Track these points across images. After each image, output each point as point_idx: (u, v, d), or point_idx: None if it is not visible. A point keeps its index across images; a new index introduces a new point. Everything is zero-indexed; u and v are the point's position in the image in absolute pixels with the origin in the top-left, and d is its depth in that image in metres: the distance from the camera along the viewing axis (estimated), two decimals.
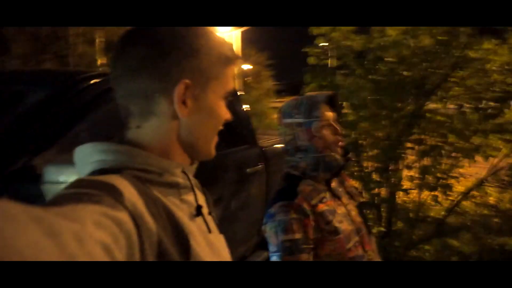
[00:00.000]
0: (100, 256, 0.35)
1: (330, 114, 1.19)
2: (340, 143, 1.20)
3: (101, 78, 1.72)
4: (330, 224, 1.12)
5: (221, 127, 0.63)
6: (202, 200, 0.64)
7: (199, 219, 0.58)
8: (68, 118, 1.52)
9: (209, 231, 0.59)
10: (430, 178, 2.92)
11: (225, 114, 0.63)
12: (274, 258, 1.08)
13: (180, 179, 0.57)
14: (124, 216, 0.42)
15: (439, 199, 2.98)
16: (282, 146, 1.27)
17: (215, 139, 0.63)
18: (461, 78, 2.66)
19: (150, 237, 0.46)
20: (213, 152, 0.63)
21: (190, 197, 0.59)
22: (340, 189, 1.26)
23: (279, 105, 1.36)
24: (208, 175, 2.36)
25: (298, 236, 1.06)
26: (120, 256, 0.39)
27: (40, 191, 1.28)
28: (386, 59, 2.62)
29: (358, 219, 1.23)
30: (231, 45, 0.63)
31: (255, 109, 11.93)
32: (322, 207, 1.13)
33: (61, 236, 0.30)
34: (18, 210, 0.28)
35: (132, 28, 0.57)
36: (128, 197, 0.45)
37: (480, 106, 2.73)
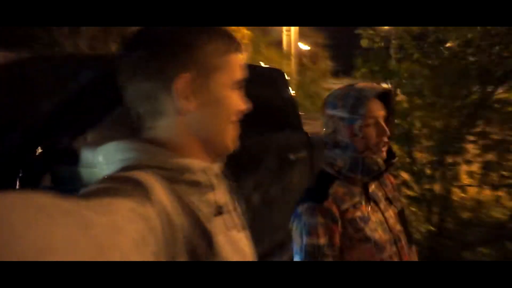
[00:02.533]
0: (130, 249, 0.35)
1: (379, 112, 1.08)
2: (385, 146, 1.09)
3: None
4: (360, 232, 1.04)
5: (235, 119, 0.61)
6: (225, 198, 0.63)
7: (220, 218, 0.58)
8: (107, 102, 1.56)
9: (230, 228, 0.60)
10: (493, 176, 2.63)
11: (238, 105, 0.61)
12: (297, 258, 1.05)
13: (201, 178, 0.57)
14: (151, 213, 0.43)
15: (503, 200, 2.69)
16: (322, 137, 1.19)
17: (233, 132, 0.61)
18: None
19: (176, 234, 0.47)
20: (231, 146, 0.62)
21: (210, 196, 0.58)
22: (380, 194, 1.15)
23: (335, 86, 1.25)
24: (246, 160, 2.37)
25: (322, 241, 1.01)
26: (147, 251, 0.39)
27: (78, 173, 1.35)
28: (449, 43, 2.35)
29: (398, 227, 1.13)
30: (232, 34, 0.60)
31: (310, 91, 11.68)
32: (353, 212, 1.06)
33: (93, 229, 0.31)
34: (52, 203, 0.29)
35: (128, 34, 0.58)
36: (155, 194, 0.46)
37: None
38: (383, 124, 1.08)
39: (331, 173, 1.10)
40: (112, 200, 0.40)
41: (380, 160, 1.08)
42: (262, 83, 2.74)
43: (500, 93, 2.56)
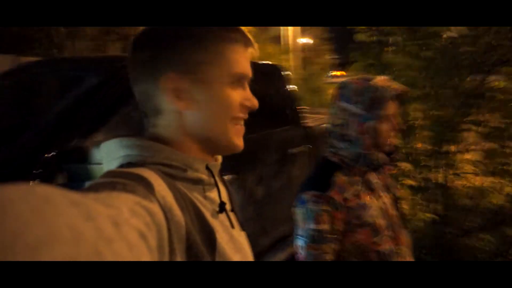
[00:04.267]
0: (136, 241, 0.35)
1: (393, 111, 1.11)
2: (391, 139, 1.13)
3: None
4: (360, 218, 1.10)
5: (237, 116, 0.58)
6: (225, 196, 0.62)
7: (222, 215, 0.58)
8: (114, 102, 1.65)
9: (232, 227, 0.60)
10: (491, 163, 2.69)
11: (238, 101, 0.57)
12: (299, 241, 1.10)
13: (204, 176, 0.57)
14: (155, 208, 0.42)
15: (501, 186, 2.75)
16: (327, 125, 1.19)
17: (237, 130, 0.59)
18: None
19: (179, 230, 0.46)
20: (236, 144, 0.59)
21: (213, 194, 0.58)
22: (376, 181, 1.20)
23: (334, 80, 1.28)
24: (247, 156, 2.44)
25: (325, 227, 1.07)
26: (153, 244, 0.39)
27: (89, 170, 1.44)
28: (444, 34, 2.41)
29: (393, 212, 1.19)
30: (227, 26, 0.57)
31: (313, 85, 11.68)
32: (354, 200, 1.11)
33: (98, 220, 0.31)
34: (57, 194, 0.29)
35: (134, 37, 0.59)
36: (158, 190, 0.46)
37: None
38: (395, 121, 1.11)
39: (335, 162, 1.14)
40: (118, 193, 0.40)
41: (382, 155, 1.13)
42: (257, 79, 2.78)
43: (492, 81, 2.61)
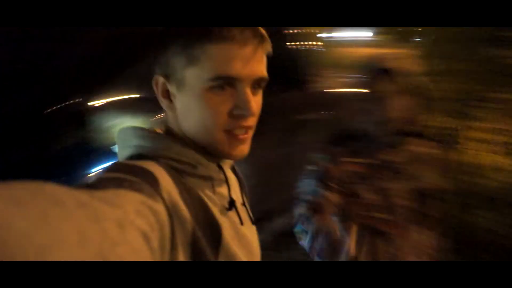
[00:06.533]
0: (139, 243, 0.36)
1: None
2: None
3: None
4: None
5: (227, 127, 0.54)
6: (236, 192, 0.63)
7: (232, 212, 0.59)
8: None
9: (241, 223, 0.60)
10: None
11: (226, 109, 0.53)
12: None
13: (214, 173, 0.57)
14: (160, 207, 0.43)
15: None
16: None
17: (232, 139, 0.55)
18: None
19: (183, 224, 0.48)
20: (230, 154, 0.56)
21: (223, 190, 0.59)
22: None
23: None
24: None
25: None
26: (155, 245, 0.40)
27: None
28: None
29: None
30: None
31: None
32: None
33: (104, 222, 0.31)
34: (65, 195, 0.29)
35: None
36: (164, 185, 0.46)
37: None
38: None
39: None
40: (124, 191, 0.40)
41: None
42: None
43: None
